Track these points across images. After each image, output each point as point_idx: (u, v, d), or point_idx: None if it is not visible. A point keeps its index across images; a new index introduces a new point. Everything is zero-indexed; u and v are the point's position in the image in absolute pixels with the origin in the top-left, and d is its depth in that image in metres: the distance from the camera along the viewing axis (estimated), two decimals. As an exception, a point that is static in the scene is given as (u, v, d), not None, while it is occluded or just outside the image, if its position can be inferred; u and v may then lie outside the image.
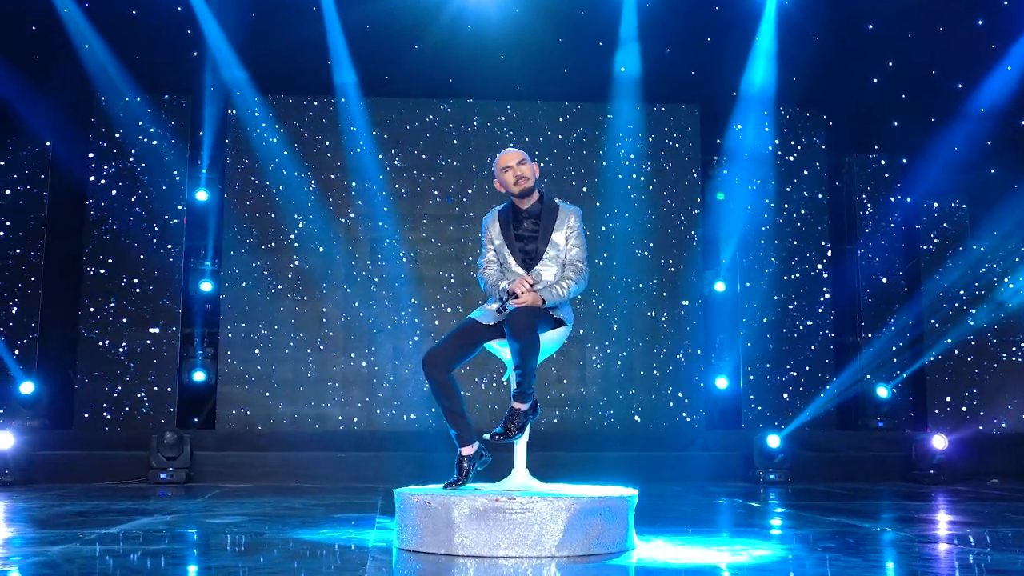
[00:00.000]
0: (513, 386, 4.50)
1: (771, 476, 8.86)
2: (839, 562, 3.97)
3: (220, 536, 4.84)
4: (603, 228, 10.53)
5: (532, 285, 4.52)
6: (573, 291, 4.64)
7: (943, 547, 4.59)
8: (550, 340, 4.66)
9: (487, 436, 4.53)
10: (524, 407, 4.51)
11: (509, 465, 4.72)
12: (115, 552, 4.13)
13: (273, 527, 5.15)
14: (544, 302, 4.51)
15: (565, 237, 4.70)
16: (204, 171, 10.42)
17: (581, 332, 10.35)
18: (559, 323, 4.67)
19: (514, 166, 4.70)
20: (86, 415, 9.79)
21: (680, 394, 10.37)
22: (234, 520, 5.56)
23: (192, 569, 3.76)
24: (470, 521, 4.12)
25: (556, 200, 4.81)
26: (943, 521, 5.97)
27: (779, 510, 6.63)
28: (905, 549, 4.49)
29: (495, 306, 4.56)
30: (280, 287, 10.23)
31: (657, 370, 10.41)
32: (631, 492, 4.46)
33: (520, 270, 4.68)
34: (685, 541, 4.64)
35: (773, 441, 8.92)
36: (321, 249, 10.24)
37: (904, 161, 10.76)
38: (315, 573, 3.65)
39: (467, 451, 4.60)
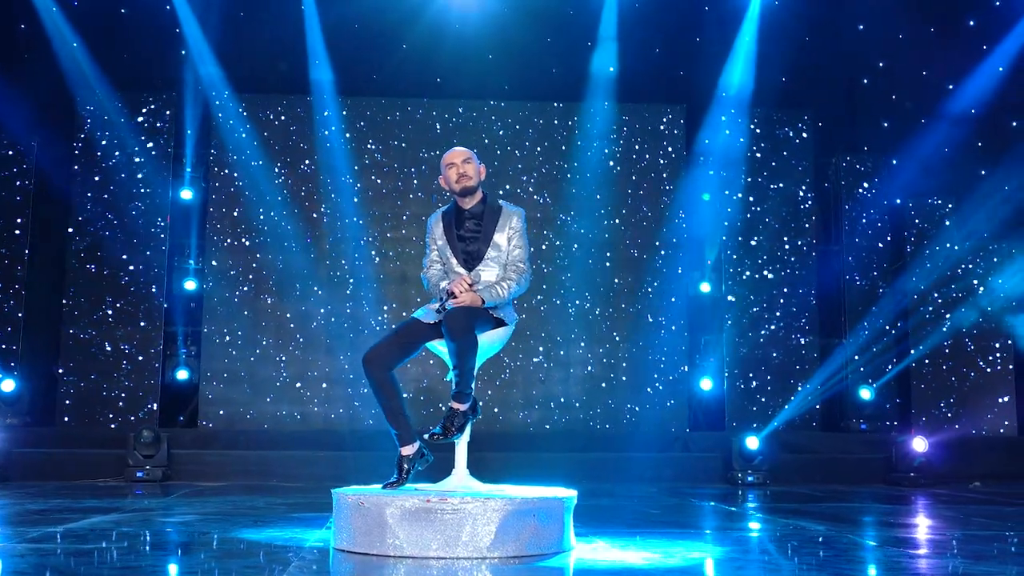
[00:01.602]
0: (452, 386, 4.48)
1: (749, 478, 8.80)
2: (769, 565, 3.92)
3: (161, 536, 4.84)
4: (589, 228, 10.51)
5: (471, 285, 4.50)
6: (514, 292, 4.62)
7: (886, 550, 4.53)
8: (490, 340, 4.63)
9: (426, 436, 4.51)
10: (463, 407, 4.48)
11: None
12: (44, 551, 4.13)
13: (221, 526, 5.14)
14: (483, 302, 4.49)
15: (507, 238, 4.67)
16: (188, 169, 10.44)
17: (572, 334, 10.38)
18: (500, 323, 4.64)
19: (458, 164, 4.68)
20: (68, 413, 9.83)
21: (664, 395, 10.33)
22: (187, 519, 5.56)
23: (110, 569, 3.75)
24: (402, 521, 4.10)
25: (500, 201, 4.78)
26: (903, 524, 5.90)
27: (743, 512, 6.58)
28: (844, 553, 4.44)
29: (436, 305, 4.54)
30: (263, 286, 10.27)
31: (641, 371, 10.37)
32: (568, 493, 4.43)
33: (462, 270, 4.66)
34: (626, 543, 4.60)
35: (752, 443, 8.85)
36: (301, 248, 10.26)
37: (894, 162, 10.66)
38: (231, 573, 3.63)
39: (407, 451, 4.57)
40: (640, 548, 4.44)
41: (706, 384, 10.49)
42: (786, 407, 10.02)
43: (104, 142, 10.12)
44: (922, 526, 5.77)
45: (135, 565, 3.83)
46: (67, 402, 9.86)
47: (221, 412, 10.06)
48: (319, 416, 10.18)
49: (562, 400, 10.33)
